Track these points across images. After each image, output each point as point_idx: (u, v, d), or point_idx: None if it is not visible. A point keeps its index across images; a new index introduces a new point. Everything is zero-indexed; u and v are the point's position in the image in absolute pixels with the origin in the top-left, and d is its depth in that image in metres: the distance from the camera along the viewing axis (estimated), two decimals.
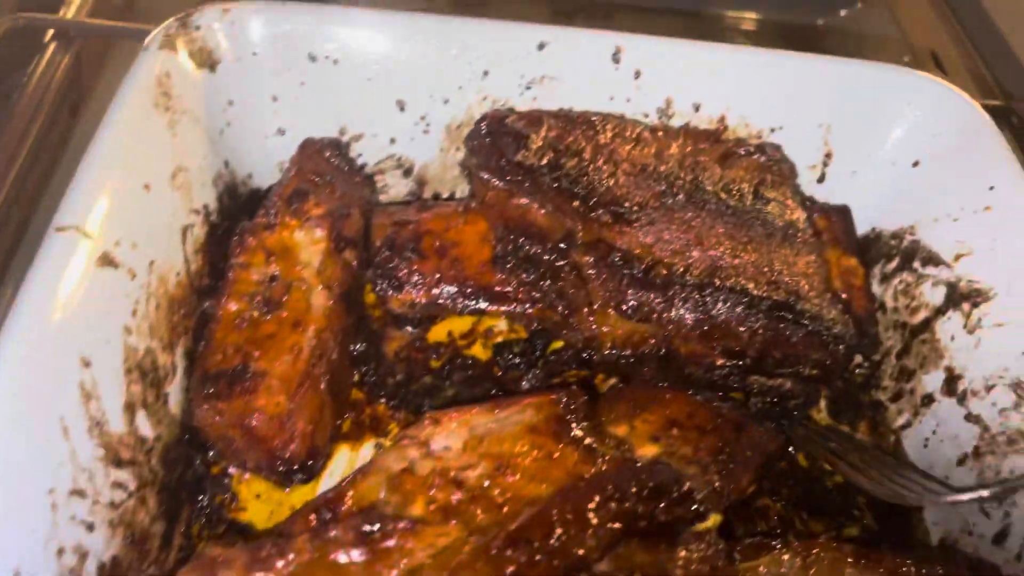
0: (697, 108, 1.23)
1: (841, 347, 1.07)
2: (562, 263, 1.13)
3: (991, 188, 1.09)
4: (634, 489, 0.83)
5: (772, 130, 1.25)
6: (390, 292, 1.12)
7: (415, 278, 1.12)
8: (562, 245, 1.13)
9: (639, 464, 0.88)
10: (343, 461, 1.04)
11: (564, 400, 0.97)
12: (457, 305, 1.13)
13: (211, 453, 1.00)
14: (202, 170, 1.10)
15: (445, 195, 1.30)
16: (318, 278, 1.06)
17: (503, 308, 1.13)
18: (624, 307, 1.08)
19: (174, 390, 0.97)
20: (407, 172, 1.27)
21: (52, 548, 0.75)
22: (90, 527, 0.80)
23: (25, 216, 1.21)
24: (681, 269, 1.08)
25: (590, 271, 1.10)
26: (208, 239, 1.09)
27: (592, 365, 1.14)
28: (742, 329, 1.07)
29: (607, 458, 0.91)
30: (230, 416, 0.93)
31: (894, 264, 1.22)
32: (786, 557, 0.91)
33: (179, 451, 0.96)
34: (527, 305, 1.12)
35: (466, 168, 1.23)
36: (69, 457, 0.79)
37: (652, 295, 1.07)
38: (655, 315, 1.07)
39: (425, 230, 1.16)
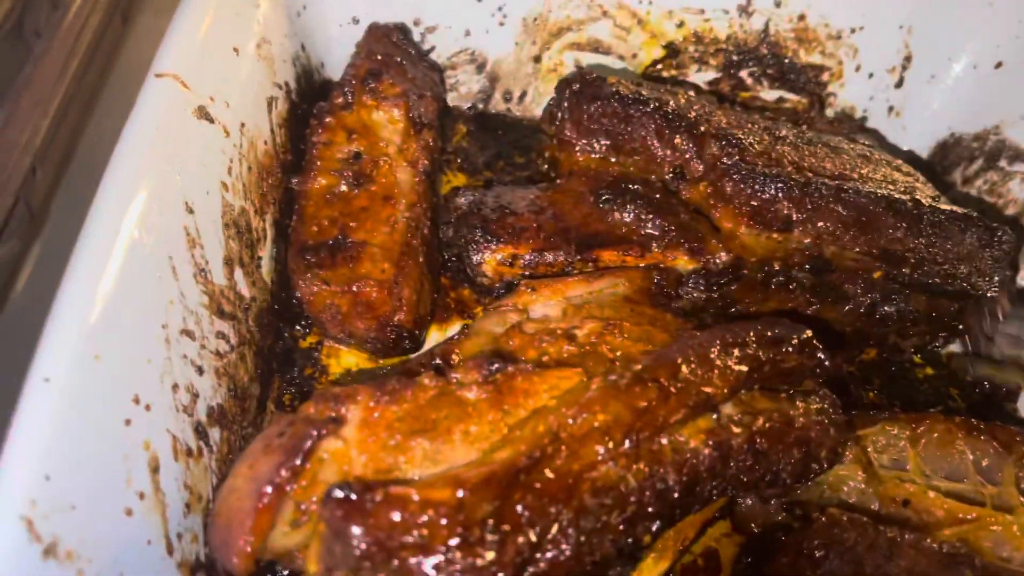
0: (778, 4, 1.21)
1: (1006, 248, 0.98)
2: (673, 202, 1.00)
3: None
4: (752, 336, 0.80)
5: (852, 30, 1.23)
6: (484, 256, 0.95)
7: (509, 236, 0.95)
8: (669, 182, 1.02)
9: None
10: (432, 341, 1.01)
11: (658, 276, 0.95)
12: (565, 259, 0.96)
13: (298, 327, 0.98)
14: (283, 47, 1.08)
15: (517, 94, 1.27)
16: (401, 156, 1.04)
17: (623, 253, 0.96)
18: (762, 216, 0.96)
19: (266, 257, 0.95)
20: (480, 67, 1.24)
21: (168, 382, 0.73)
22: (200, 370, 0.78)
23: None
24: (813, 173, 0.98)
25: (717, 189, 0.98)
26: (290, 115, 1.07)
27: (734, 296, 0.99)
28: (900, 226, 0.97)
29: (705, 322, 0.89)
30: (336, 284, 0.91)
31: (977, 165, 1.21)
32: (895, 428, 0.89)
33: (271, 320, 0.94)
34: (651, 245, 0.96)
35: (549, 139, 1.08)
36: (179, 297, 0.77)
37: (790, 200, 0.96)
38: (799, 220, 0.96)
39: (510, 199, 1.01)
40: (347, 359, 0.97)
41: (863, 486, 0.86)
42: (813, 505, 0.86)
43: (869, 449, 0.88)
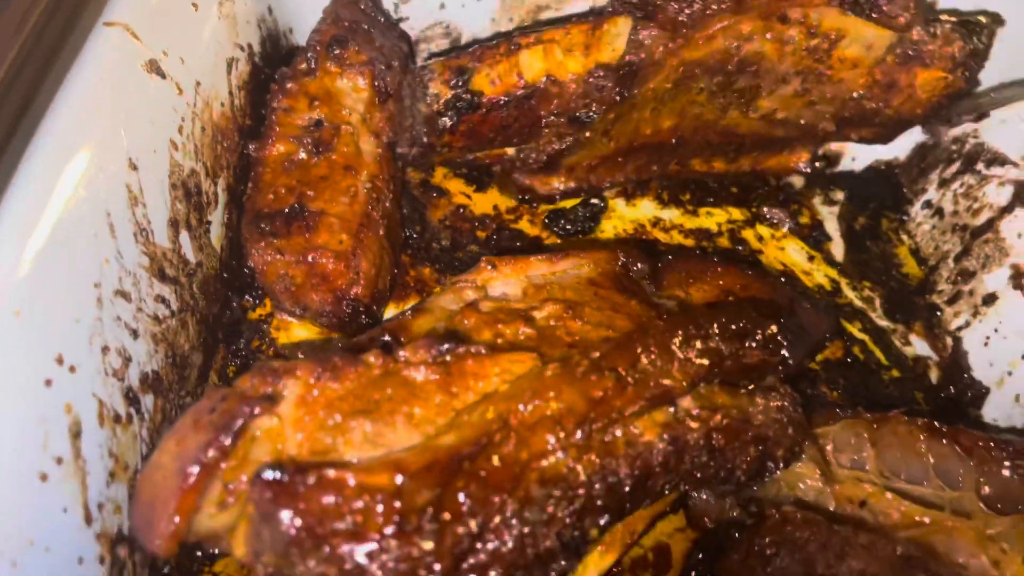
0: None
1: None
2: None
3: None
4: (716, 329, 0.77)
5: None
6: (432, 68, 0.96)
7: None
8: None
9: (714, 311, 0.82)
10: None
11: (624, 259, 0.91)
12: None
13: (248, 297, 0.94)
14: (247, 7, 1.03)
15: None
16: (364, 126, 1.00)
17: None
18: None
19: (216, 222, 0.90)
20: (454, 42, 1.20)
21: (97, 344, 0.69)
22: (134, 333, 0.74)
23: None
24: None
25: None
26: (252, 79, 1.02)
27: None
28: None
29: (670, 311, 0.86)
30: (291, 253, 0.87)
31: (955, 168, 1.19)
32: (857, 428, 0.87)
33: (218, 288, 0.90)
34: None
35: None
36: (115, 256, 0.73)
37: None
38: None
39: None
40: (297, 332, 0.94)
41: (820, 485, 0.84)
42: (769, 502, 0.84)
43: (828, 448, 0.86)
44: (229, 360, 0.90)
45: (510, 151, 1.05)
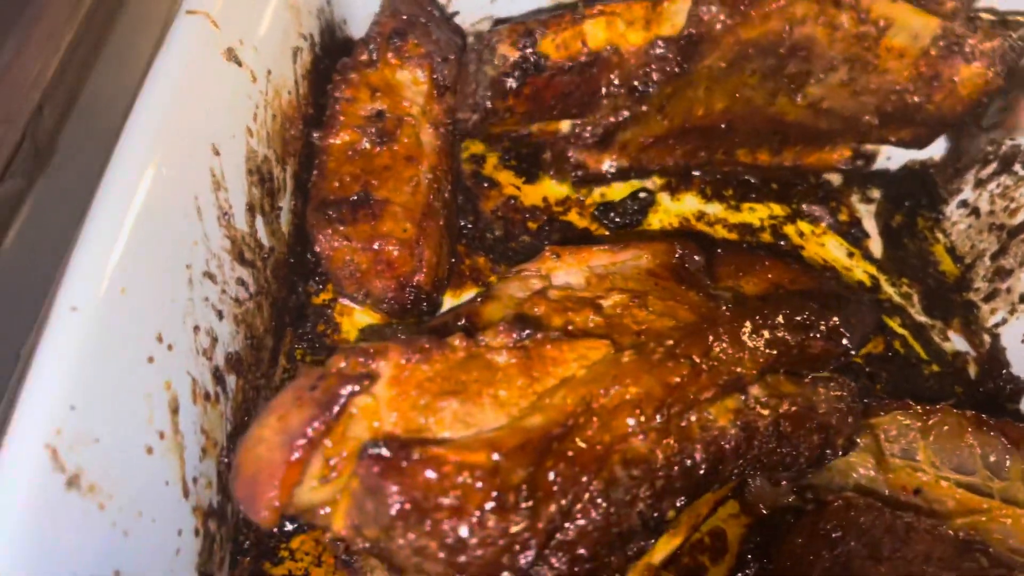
0: None
1: None
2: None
3: None
4: (782, 319, 0.80)
5: None
6: (501, 38, 0.99)
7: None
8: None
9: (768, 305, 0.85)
10: (446, 306, 0.99)
11: (680, 251, 0.94)
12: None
13: (312, 282, 0.96)
14: None
15: None
16: (424, 117, 1.02)
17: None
18: None
19: (285, 208, 0.92)
20: None
21: (190, 323, 0.71)
22: (220, 314, 0.76)
23: None
24: None
25: None
26: (313, 68, 1.04)
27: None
28: None
29: (729, 302, 0.88)
30: (357, 240, 0.89)
31: (991, 168, 1.21)
32: (907, 419, 0.89)
33: (286, 273, 0.92)
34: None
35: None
36: (203, 238, 0.75)
37: None
38: None
39: None
40: (360, 318, 0.95)
41: (873, 473, 0.87)
42: (823, 489, 0.87)
43: (881, 438, 0.88)
44: (296, 343, 0.92)
45: (564, 128, 1.08)
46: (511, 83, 0.97)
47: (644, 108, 1.02)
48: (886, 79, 1.04)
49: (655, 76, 0.99)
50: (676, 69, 0.99)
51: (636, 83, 1.00)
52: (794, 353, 0.79)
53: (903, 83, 1.04)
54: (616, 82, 1.00)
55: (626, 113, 1.03)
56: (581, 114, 1.04)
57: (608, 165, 1.12)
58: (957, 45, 1.03)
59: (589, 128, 1.06)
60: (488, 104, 0.99)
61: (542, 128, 1.10)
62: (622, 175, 1.14)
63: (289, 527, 0.80)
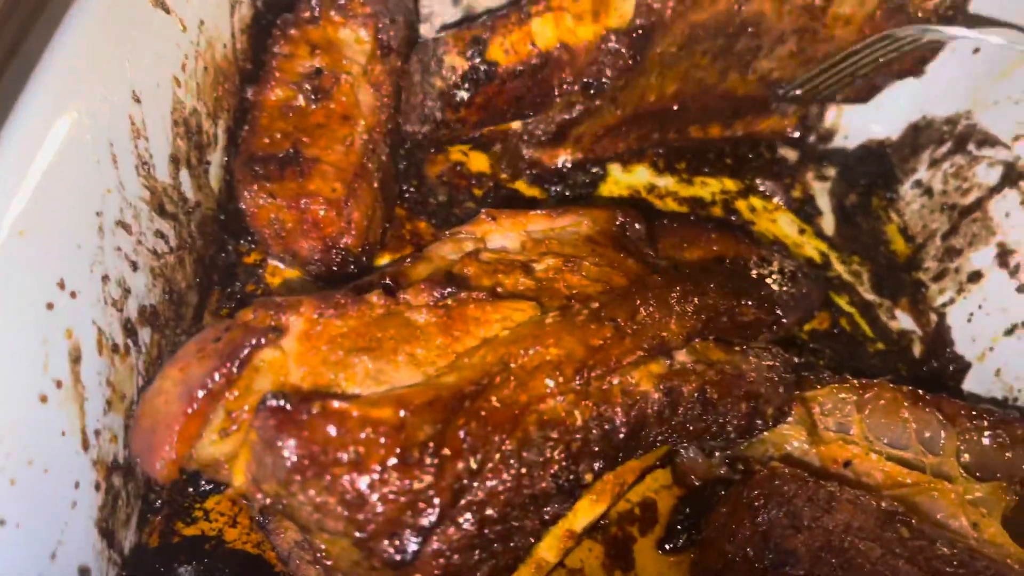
0: None
1: None
2: None
3: None
4: (712, 285, 0.78)
5: None
6: (448, 44, 0.96)
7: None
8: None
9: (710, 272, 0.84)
10: None
11: (621, 219, 0.92)
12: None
13: (243, 241, 0.93)
14: None
15: None
16: (364, 77, 0.99)
17: None
18: None
19: (215, 163, 0.90)
20: (464, 11, 1.19)
21: (98, 272, 0.68)
22: (134, 265, 0.73)
23: None
24: None
25: None
26: (253, 23, 1.01)
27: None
28: None
29: (663, 271, 0.87)
30: (283, 198, 0.86)
31: (945, 148, 1.20)
32: (843, 393, 0.88)
33: (215, 230, 0.89)
34: None
35: None
36: (117, 187, 0.72)
37: None
38: None
39: None
40: (292, 282, 0.93)
41: (806, 446, 0.86)
42: (755, 461, 0.86)
43: (815, 411, 0.87)
44: (223, 302, 0.90)
45: (515, 125, 1.05)
46: (461, 95, 0.95)
47: (597, 103, 1.00)
48: (834, 46, 1.02)
49: (608, 72, 0.97)
50: (629, 62, 0.97)
51: (589, 79, 0.97)
52: (723, 320, 0.78)
53: (850, 47, 1.03)
54: (569, 80, 0.97)
55: (580, 108, 1.01)
56: (536, 113, 1.02)
57: (563, 160, 1.10)
58: (900, 2, 1.02)
59: (542, 126, 1.03)
60: (438, 116, 0.96)
61: (492, 129, 1.07)
62: (577, 167, 1.12)
63: (206, 486, 0.78)
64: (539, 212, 0.90)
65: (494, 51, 0.95)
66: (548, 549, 0.72)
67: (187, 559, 0.74)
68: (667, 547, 0.85)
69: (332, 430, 0.59)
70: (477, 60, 0.94)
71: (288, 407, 0.59)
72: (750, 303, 0.79)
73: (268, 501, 0.61)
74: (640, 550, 0.84)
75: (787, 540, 0.71)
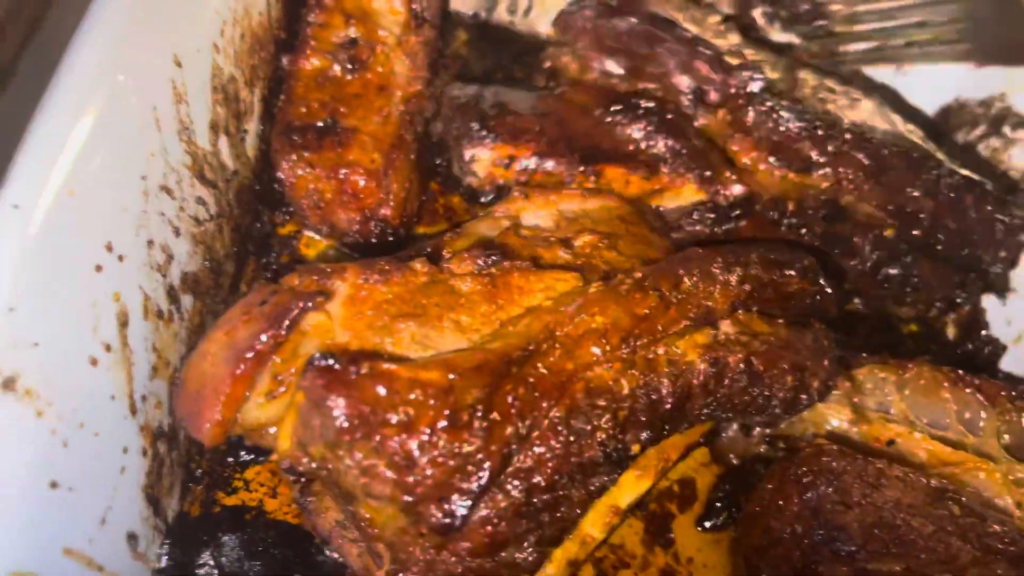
0: None
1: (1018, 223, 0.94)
2: (686, 125, 0.94)
3: None
4: (755, 256, 0.77)
5: None
6: (478, 152, 0.90)
7: (508, 135, 0.90)
8: (686, 107, 0.94)
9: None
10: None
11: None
12: (567, 169, 0.90)
13: (278, 213, 0.93)
14: None
15: (523, 6, 1.21)
16: (399, 47, 0.98)
17: (629, 171, 0.90)
18: (783, 153, 0.90)
19: (252, 132, 0.89)
20: None
21: (143, 236, 0.68)
22: (176, 231, 0.73)
23: None
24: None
25: (737, 118, 0.93)
26: None
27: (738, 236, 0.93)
28: (919, 184, 0.92)
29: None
30: (321, 168, 0.86)
31: (980, 130, 1.19)
32: (883, 373, 0.87)
33: (251, 200, 0.89)
34: (659, 167, 0.90)
35: (557, 48, 1.02)
36: (161, 151, 0.72)
37: (813, 140, 0.91)
38: (820, 163, 0.91)
39: (511, 98, 0.94)
40: (328, 253, 0.93)
41: (847, 425, 0.85)
42: (795, 440, 0.85)
43: (856, 390, 0.86)
44: (259, 272, 0.89)
45: None
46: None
47: None
48: None
49: None
50: None
51: None
52: (768, 291, 0.76)
53: None
54: None
55: None
56: None
57: None
58: None
59: None
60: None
61: None
62: None
63: (246, 457, 0.78)
64: (571, 191, 0.89)
65: None
66: (593, 524, 0.71)
67: (229, 528, 0.73)
68: (706, 524, 0.84)
69: (381, 390, 0.58)
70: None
71: (337, 366, 0.58)
72: (793, 272, 0.78)
73: (313, 465, 0.61)
74: (679, 527, 0.84)
75: (837, 516, 0.70)
